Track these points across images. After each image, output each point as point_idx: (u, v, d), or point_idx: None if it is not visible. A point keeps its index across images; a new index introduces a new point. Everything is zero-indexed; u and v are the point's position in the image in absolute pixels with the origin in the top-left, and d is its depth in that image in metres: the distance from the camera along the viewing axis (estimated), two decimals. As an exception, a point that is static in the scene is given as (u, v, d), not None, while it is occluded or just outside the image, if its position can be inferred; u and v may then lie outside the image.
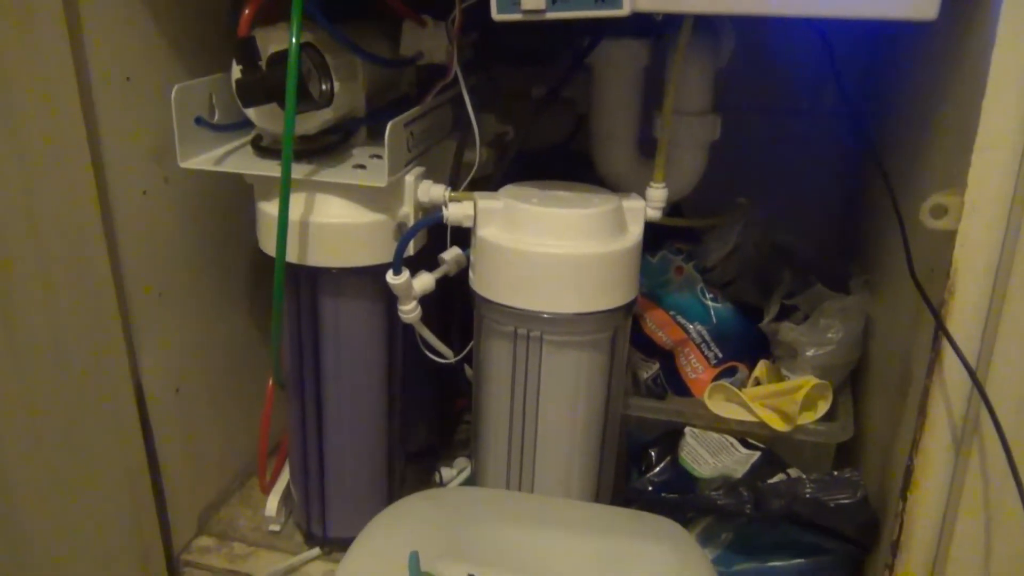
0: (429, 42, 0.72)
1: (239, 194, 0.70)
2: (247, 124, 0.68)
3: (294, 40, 0.59)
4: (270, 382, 0.73)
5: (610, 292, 0.63)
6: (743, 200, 0.84)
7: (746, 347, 0.75)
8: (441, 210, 0.64)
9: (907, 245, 0.57)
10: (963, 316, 0.53)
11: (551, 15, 0.54)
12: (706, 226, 0.81)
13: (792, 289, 0.77)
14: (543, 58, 0.81)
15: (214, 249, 0.76)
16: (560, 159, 0.82)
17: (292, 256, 0.64)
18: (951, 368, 0.53)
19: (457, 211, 0.64)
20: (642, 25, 0.63)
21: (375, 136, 0.70)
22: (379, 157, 0.67)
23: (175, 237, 0.71)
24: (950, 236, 0.52)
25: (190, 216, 0.73)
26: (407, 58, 0.72)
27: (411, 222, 0.65)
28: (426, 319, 0.68)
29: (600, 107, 0.74)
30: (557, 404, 0.66)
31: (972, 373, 0.52)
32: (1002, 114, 0.49)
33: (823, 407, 0.70)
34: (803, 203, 0.89)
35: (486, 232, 0.63)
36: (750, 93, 0.86)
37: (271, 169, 0.64)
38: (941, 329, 0.53)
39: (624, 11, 0.53)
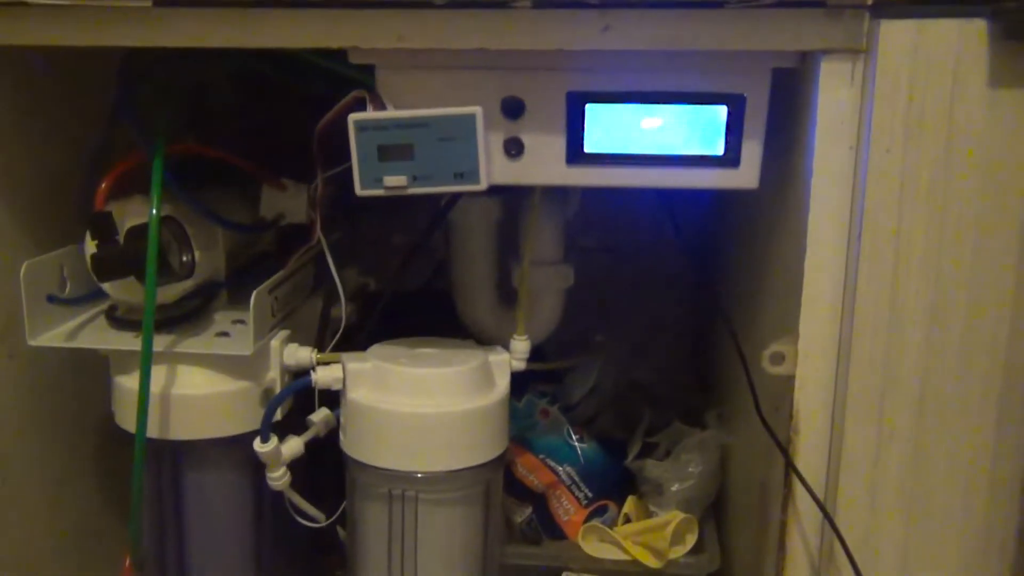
0: (290, 204, 0.73)
1: (92, 366, 0.68)
2: (100, 294, 0.67)
3: (154, 212, 0.60)
4: (126, 563, 0.69)
5: (482, 446, 0.64)
6: (600, 338, 0.89)
7: (614, 485, 0.78)
8: (309, 374, 0.65)
9: (753, 389, 0.62)
10: (809, 452, 0.57)
11: (413, 191, 0.57)
12: (567, 367, 0.85)
13: (652, 425, 0.81)
14: (403, 210, 0.84)
15: (64, 425, 0.72)
16: (423, 302, 0.84)
17: (152, 431, 0.62)
18: (803, 502, 0.58)
19: (326, 375, 0.64)
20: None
21: (237, 297, 0.70)
22: (242, 322, 0.67)
23: (20, 414, 0.68)
24: (790, 379, 0.57)
25: (38, 391, 0.69)
26: (268, 221, 0.73)
27: (278, 387, 0.65)
28: (295, 481, 0.67)
29: (459, 258, 0.77)
30: (435, 561, 0.66)
31: (822, 508, 0.56)
32: (822, 270, 0.55)
33: (691, 540, 0.73)
34: (657, 337, 0.94)
35: (356, 394, 0.64)
36: (600, 234, 0.92)
37: (128, 342, 0.63)
38: (790, 467, 0.57)
39: (482, 186, 0.57)
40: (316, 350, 0.67)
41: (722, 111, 0.57)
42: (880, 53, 0.51)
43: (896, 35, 0.51)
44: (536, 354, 0.77)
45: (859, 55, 0.52)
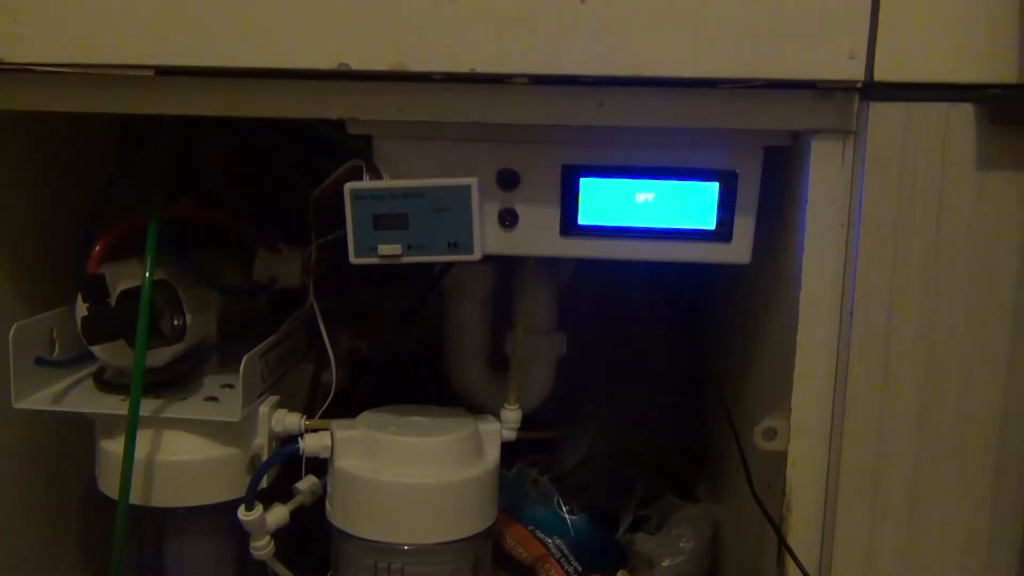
0: (283, 267, 0.73)
1: (75, 429, 0.67)
2: (89, 356, 0.66)
3: (147, 276, 0.60)
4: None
5: (471, 518, 0.63)
6: (592, 407, 0.88)
7: (604, 558, 0.77)
8: (297, 441, 0.64)
9: (746, 465, 0.62)
10: (802, 530, 0.57)
11: (407, 259, 0.57)
12: (558, 436, 0.85)
13: (644, 497, 0.80)
14: (396, 276, 0.85)
15: (48, 489, 0.71)
16: (414, 369, 0.84)
17: (135, 497, 0.61)
18: (796, 581, 0.57)
19: (314, 443, 0.64)
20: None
21: (227, 360, 0.70)
22: (231, 387, 0.66)
23: (3, 477, 0.67)
24: (782, 455, 0.57)
25: (23, 455, 0.68)
26: (261, 285, 0.73)
27: (265, 454, 0.65)
28: (279, 550, 0.66)
29: (452, 325, 0.77)
30: (420, 636, 0.64)
31: (816, 588, 0.56)
32: (814, 347, 0.55)
33: (682, 618, 0.72)
34: (651, 407, 0.94)
35: (344, 463, 0.63)
36: (592, 303, 0.92)
37: (114, 406, 0.62)
38: (784, 546, 0.56)
39: (476, 256, 0.57)
40: (305, 416, 0.66)
41: (715, 187, 0.57)
42: (870, 134, 0.52)
43: (886, 117, 0.52)
44: (527, 422, 0.77)
45: (849, 136, 0.53)
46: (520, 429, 0.69)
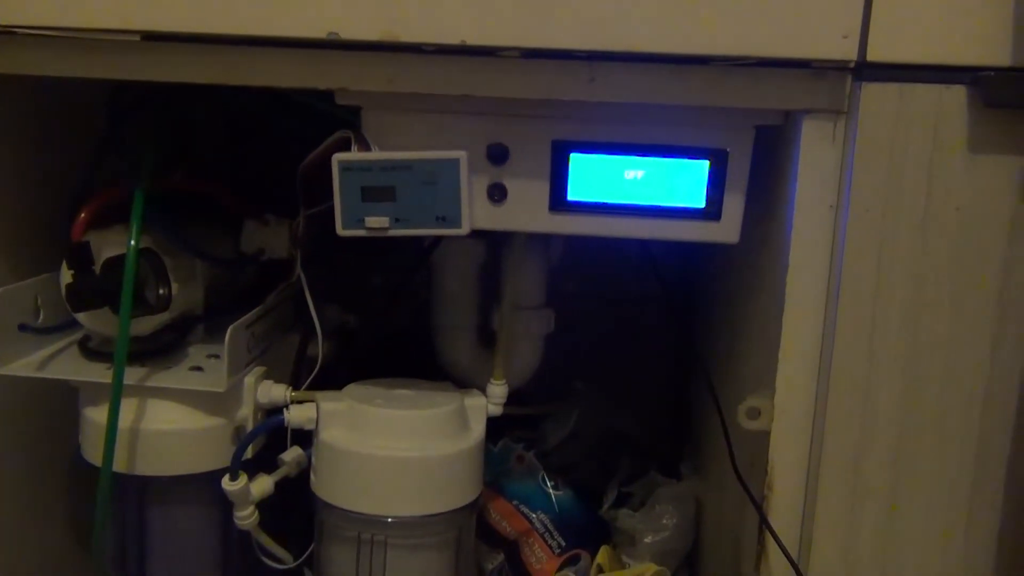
0: (271, 239, 0.73)
1: (60, 396, 0.67)
2: (74, 324, 0.66)
3: (132, 243, 0.59)
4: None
5: (455, 492, 0.64)
6: (579, 384, 0.89)
7: (588, 534, 0.78)
8: (282, 412, 0.64)
9: (729, 443, 0.62)
10: (783, 509, 0.57)
11: (394, 232, 0.57)
12: (544, 413, 0.85)
13: (629, 474, 0.80)
14: (384, 249, 0.85)
15: (32, 456, 0.71)
16: (402, 343, 0.84)
17: (119, 465, 0.61)
18: (776, 559, 0.57)
19: (299, 414, 0.64)
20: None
21: (213, 331, 0.69)
22: (217, 357, 0.66)
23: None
24: (765, 435, 0.57)
25: (5, 421, 0.68)
26: (248, 256, 0.73)
27: (250, 425, 0.64)
28: (263, 521, 0.66)
29: (440, 300, 0.77)
30: (402, 608, 0.65)
31: (795, 566, 0.56)
32: (800, 327, 0.55)
33: (663, 593, 0.72)
34: (637, 385, 0.94)
35: (329, 435, 0.63)
36: (581, 281, 0.92)
37: (100, 374, 0.62)
38: (764, 524, 0.57)
39: (464, 230, 0.57)
40: (291, 388, 0.66)
41: (705, 165, 0.57)
42: (862, 115, 0.52)
43: (878, 98, 0.52)
44: (513, 398, 0.77)
45: (841, 116, 0.53)
46: (506, 404, 0.70)
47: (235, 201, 0.74)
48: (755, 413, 0.57)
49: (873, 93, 0.52)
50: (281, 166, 0.67)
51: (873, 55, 0.51)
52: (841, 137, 0.53)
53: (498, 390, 0.68)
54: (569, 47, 0.52)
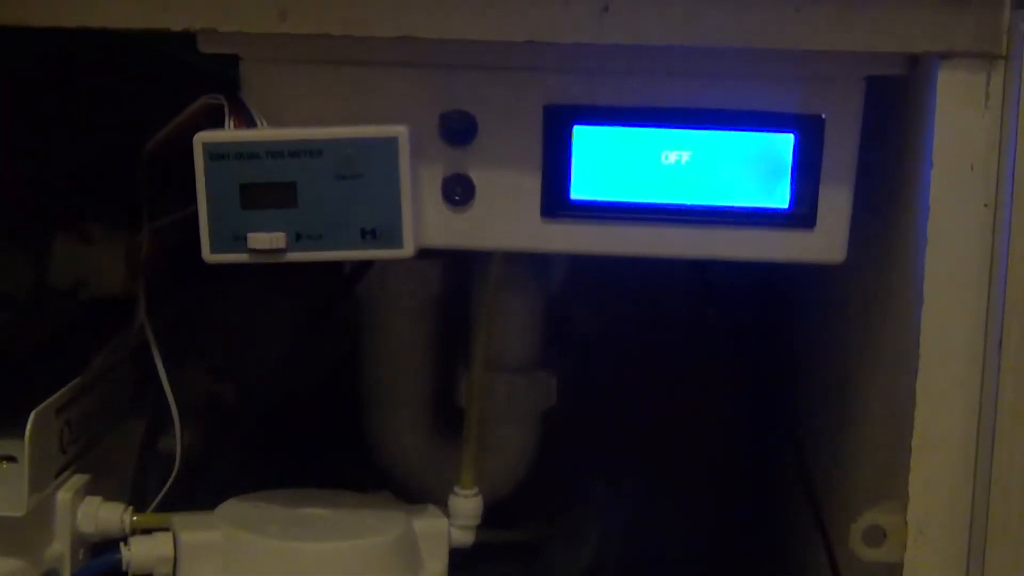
0: (97, 263, 0.75)
1: None
2: None
3: None
4: None
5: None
6: (599, 486, 0.90)
7: None
8: (119, 549, 0.66)
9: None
10: None
11: (295, 256, 0.59)
12: (545, 535, 0.87)
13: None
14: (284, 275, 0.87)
15: None
16: (310, 422, 0.85)
17: None
18: None
19: (145, 551, 0.65)
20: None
21: (4, 419, 0.71)
22: (12, 460, 0.68)
23: None
24: (896, 569, 0.59)
25: None
26: (61, 292, 0.74)
27: (67, 569, 0.66)
28: None
29: (373, 357, 0.79)
30: None
31: None
32: (942, 397, 0.57)
33: None
34: (686, 485, 0.96)
35: (195, 583, 0.65)
36: (597, 321, 0.94)
37: None
38: None
39: (407, 251, 0.59)
40: (132, 508, 0.68)
41: (789, 140, 0.60)
42: (1029, 60, 0.55)
43: (1054, 33, 0.54)
44: (496, 515, 0.79)
45: (996, 62, 0.55)
46: (482, 527, 0.71)
47: (38, 204, 0.75)
48: (877, 536, 0.59)
49: (1046, 26, 0.54)
50: (114, 149, 0.69)
51: (1044, -33, 0.53)
52: (998, 95, 0.55)
53: (468, 504, 0.70)
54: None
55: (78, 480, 0.68)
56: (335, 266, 0.75)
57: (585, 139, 0.60)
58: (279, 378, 0.83)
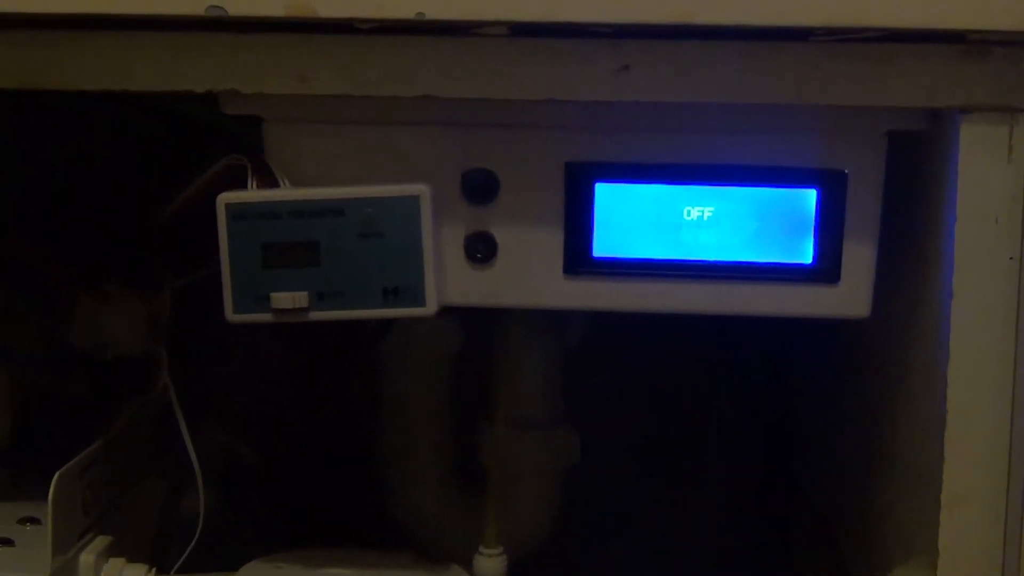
0: (118, 324, 0.75)
1: None
2: None
3: None
4: None
5: None
6: (622, 547, 0.90)
7: None
8: (140, 612, 0.66)
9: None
10: None
11: (318, 316, 0.59)
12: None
13: None
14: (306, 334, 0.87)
15: None
16: (329, 483, 0.85)
17: None
18: None
19: (168, 613, 0.66)
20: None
21: (26, 481, 0.71)
22: (35, 522, 0.68)
23: None
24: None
25: None
26: (83, 353, 0.75)
27: (91, 632, 0.66)
28: None
29: (393, 419, 0.79)
30: None
31: None
32: (971, 452, 0.57)
33: None
34: (707, 540, 0.95)
35: (217, 646, 0.65)
36: (621, 378, 0.94)
37: None
38: None
39: (429, 310, 0.59)
40: (155, 569, 0.68)
41: (811, 196, 0.60)
42: (1052, 114, 0.55)
43: (1076, 85, 0.55)
44: (518, 574, 0.79)
45: (1019, 115, 0.55)
46: (509, 589, 0.71)
47: (60, 267, 0.76)
48: (907, 592, 0.59)
49: (1068, 78, 0.55)
50: (136, 210, 0.69)
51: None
52: (1022, 147, 0.56)
53: (492, 564, 0.70)
54: (587, 20, 0.54)
55: (101, 542, 0.68)
56: (354, 327, 0.75)
57: (607, 196, 0.61)
58: (300, 440, 0.83)
